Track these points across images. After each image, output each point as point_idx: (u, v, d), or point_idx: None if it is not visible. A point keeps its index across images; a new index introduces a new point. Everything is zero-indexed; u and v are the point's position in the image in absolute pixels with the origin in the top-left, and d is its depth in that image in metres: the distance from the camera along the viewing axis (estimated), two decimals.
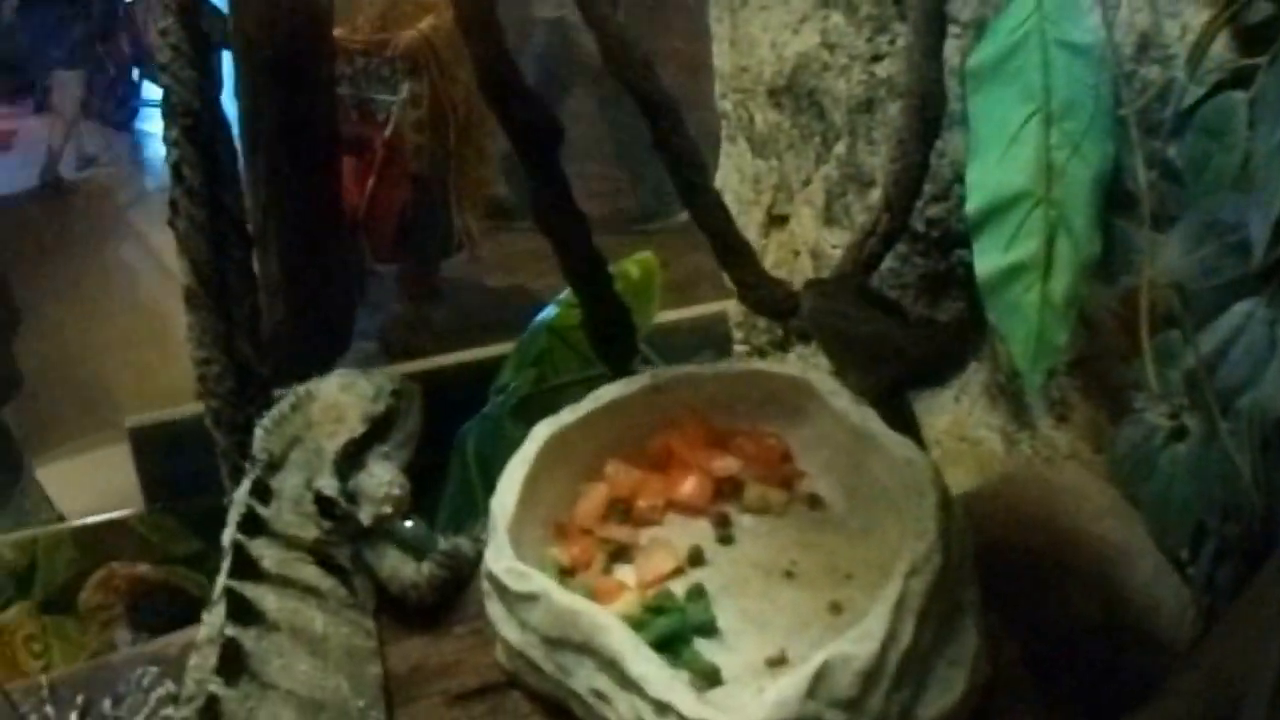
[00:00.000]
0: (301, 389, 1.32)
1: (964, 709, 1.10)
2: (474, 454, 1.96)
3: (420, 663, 1.24)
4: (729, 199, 1.93)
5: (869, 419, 1.23)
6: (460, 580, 1.29)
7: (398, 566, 1.26)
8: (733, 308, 2.15)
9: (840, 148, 1.81)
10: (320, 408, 1.29)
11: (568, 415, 1.28)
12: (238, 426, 1.69)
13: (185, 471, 2.27)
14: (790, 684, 1.02)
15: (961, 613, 1.13)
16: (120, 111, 7.79)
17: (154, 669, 1.25)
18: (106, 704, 1.23)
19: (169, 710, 1.19)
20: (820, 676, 1.02)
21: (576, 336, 1.90)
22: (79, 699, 1.24)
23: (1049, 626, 1.23)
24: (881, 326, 1.43)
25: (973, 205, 1.33)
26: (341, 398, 1.30)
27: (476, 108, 4.19)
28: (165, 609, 2.38)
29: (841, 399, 1.25)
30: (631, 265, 2.06)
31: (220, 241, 1.52)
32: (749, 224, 2.05)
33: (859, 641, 1.04)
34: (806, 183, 1.92)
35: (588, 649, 1.09)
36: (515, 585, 1.15)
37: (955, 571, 1.12)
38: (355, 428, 1.28)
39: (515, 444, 1.28)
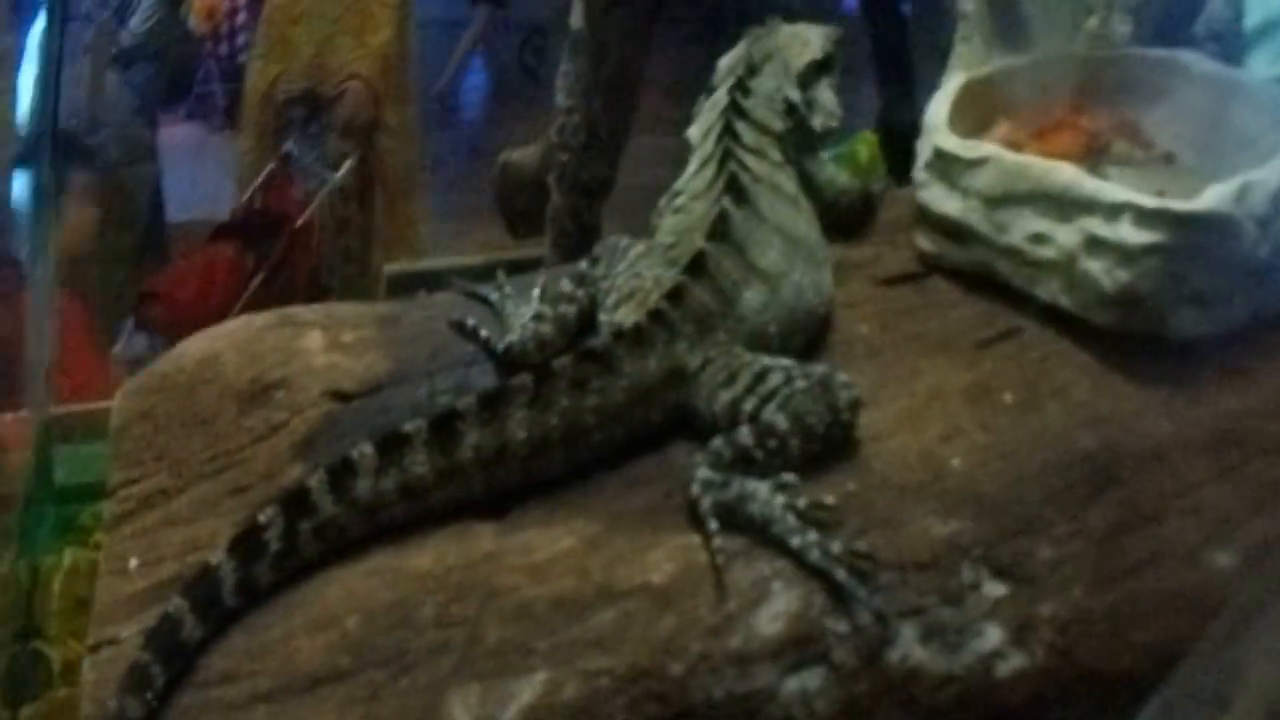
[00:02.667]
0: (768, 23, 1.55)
1: None
2: None
3: (842, 258, 1.44)
4: None
5: (1237, 75, 1.50)
6: (873, 205, 1.52)
7: (835, 174, 1.50)
8: None
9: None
10: (787, 35, 1.54)
11: (972, 74, 1.54)
12: (576, 186, 1.88)
13: None
14: (1224, 189, 1.25)
15: None
16: None
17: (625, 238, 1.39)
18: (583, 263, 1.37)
19: (646, 260, 1.33)
20: (1244, 190, 1.26)
21: None
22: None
23: None
24: None
25: (1251, 21, 1.68)
26: (804, 31, 1.55)
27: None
28: None
29: (1209, 64, 1.51)
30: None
31: None
32: None
33: (1271, 172, 1.28)
34: None
35: (1033, 196, 1.33)
36: (967, 153, 1.39)
37: None
38: (816, 52, 1.52)
39: None
